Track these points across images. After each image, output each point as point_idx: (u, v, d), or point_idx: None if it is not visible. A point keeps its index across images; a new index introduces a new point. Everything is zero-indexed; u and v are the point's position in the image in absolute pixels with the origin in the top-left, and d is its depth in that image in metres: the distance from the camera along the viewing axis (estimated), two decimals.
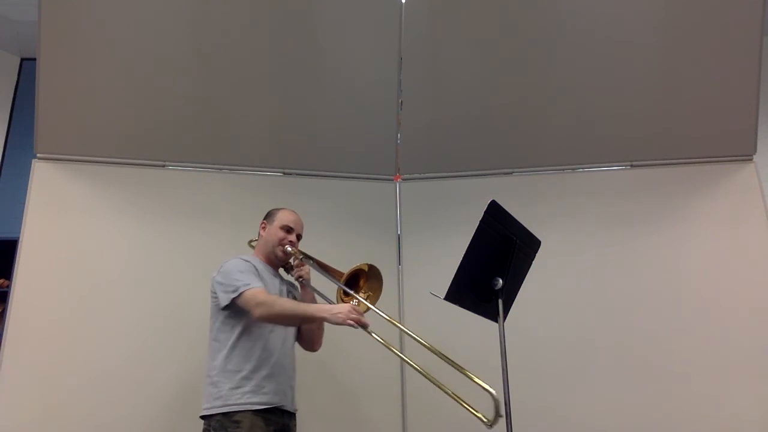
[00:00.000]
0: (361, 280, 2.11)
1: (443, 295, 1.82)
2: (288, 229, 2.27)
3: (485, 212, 1.85)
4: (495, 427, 1.91)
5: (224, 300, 2.04)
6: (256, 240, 2.41)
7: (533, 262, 2.11)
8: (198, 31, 2.85)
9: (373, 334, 1.97)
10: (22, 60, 4.45)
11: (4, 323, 2.58)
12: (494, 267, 1.91)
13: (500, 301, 1.89)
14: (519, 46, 2.97)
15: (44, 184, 2.76)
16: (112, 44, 2.76)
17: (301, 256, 2.26)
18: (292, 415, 2.12)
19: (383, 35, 2.95)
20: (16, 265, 2.63)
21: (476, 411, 1.73)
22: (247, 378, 2.00)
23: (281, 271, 2.37)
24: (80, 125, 2.84)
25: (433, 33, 2.99)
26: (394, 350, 2.00)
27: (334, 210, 3.09)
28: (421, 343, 1.88)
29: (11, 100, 4.33)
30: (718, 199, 2.95)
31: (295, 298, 2.28)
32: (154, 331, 2.67)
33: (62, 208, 2.76)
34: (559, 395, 2.77)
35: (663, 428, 2.67)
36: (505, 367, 1.83)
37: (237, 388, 1.98)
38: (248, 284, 2.01)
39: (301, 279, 2.25)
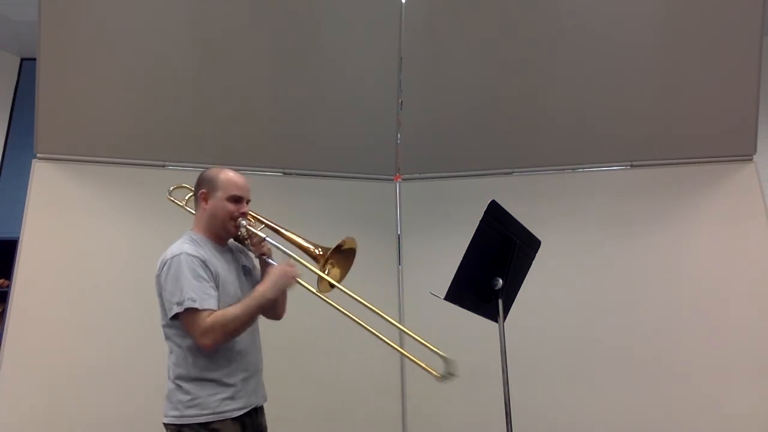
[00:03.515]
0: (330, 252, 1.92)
1: (443, 295, 1.82)
2: (237, 199, 1.95)
3: (485, 212, 1.85)
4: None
5: (171, 311, 1.77)
6: (172, 196, 2.22)
7: (533, 262, 2.11)
8: (198, 32, 2.85)
9: (316, 292, 1.86)
10: (22, 60, 4.45)
11: (4, 323, 2.58)
12: (494, 267, 1.91)
13: (500, 301, 1.89)
14: (519, 46, 2.97)
15: (44, 184, 2.76)
16: (112, 44, 2.76)
17: (260, 226, 1.98)
18: (261, 409, 1.97)
19: (383, 35, 2.95)
20: (16, 265, 2.63)
21: (429, 368, 1.73)
22: (224, 384, 1.80)
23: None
24: (80, 125, 2.84)
25: (433, 33, 2.99)
26: (342, 310, 1.86)
27: (334, 210, 3.09)
28: (362, 303, 1.82)
29: (11, 100, 4.34)
30: (718, 199, 2.95)
31: (249, 270, 2.04)
32: (154, 330, 2.62)
33: (62, 208, 2.76)
34: (559, 395, 2.78)
35: (663, 428, 2.67)
36: (505, 367, 1.84)
37: (214, 395, 1.78)
38: (194, 300, 1.73)
39: (263, 256, 1.97)
